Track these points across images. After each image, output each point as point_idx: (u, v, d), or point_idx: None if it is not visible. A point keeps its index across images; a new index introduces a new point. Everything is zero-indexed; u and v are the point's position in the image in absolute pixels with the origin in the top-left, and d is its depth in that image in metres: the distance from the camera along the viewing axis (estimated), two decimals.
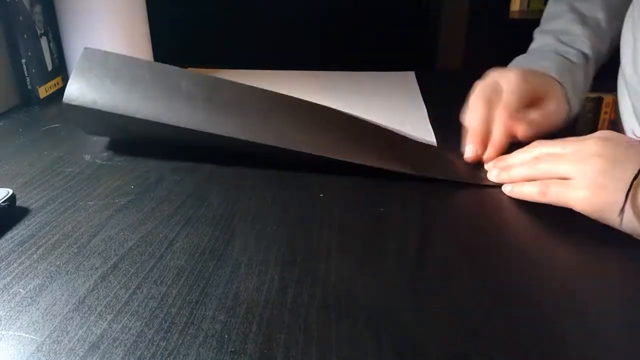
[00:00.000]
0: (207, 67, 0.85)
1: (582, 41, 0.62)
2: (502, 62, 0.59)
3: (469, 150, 0.51)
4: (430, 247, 0.37)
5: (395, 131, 0.56)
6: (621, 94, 0.65)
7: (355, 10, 0.97)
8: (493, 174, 0.47)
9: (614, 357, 0.28)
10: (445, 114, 0.62)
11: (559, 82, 0.57)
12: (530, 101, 0.53)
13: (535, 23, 0.67)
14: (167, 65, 0.50)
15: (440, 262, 0.35)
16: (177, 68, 0.50)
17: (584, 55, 0.61)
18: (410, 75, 0.81)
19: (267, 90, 0.50)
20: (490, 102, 0.52)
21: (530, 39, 0.65)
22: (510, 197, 0.44)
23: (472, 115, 0.53)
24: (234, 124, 0.46)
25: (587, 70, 0.61)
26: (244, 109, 0.48)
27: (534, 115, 0.53)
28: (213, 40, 0.99)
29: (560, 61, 0.60)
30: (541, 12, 0.68)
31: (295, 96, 0.70)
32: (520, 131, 0.51)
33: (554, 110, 0.55)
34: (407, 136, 0.56)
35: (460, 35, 0.95)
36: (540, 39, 0.65)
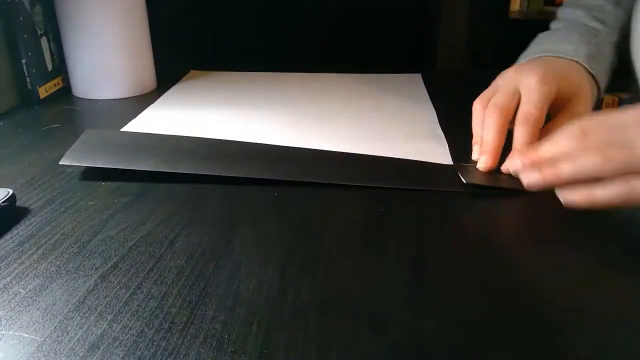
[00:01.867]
0: (209, 70, 0.85)
1: (614, 19, 0.58)
2: (502, 62, 0.58)
3: (483, 161, 0.47)
4: (430, 247, 0.37)
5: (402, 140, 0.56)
6: None
7: (353, 11, 0.97)
8: (532, 177, 0.38)
9: (614, 357, 0.28)
10: (451, 114, 0.62)
11: (587, 69, 0.52)
12: (553, 104, 0.48)
13: (535, 23, 0.67)
14: (168, 135, 0.53)
15: (440, 262, 0.35)
16: (178, 135, 0.53)
17: (615, 30, 0.58)
18: (417, 77, 0.81)
19: (272, 145, 0.52)
20: (507, 112, 0.47)
21: (530, 39, 0.65)
22: (510, 197, 0.43)
23: (487, 125, 0.48)
24: (240, 169, 0.47)
25: (615, 44, 0.57)
26: (250, 159, 0.49)
27: (561, 122, 0.47)
28: (216, 41, 0.99)
29: (588, 40, 0.55)
30: (541, 12, 0.67)
31: (304, 98, 0.70)
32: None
33: (583, 110, 0.50)
34: (417, 141, 0.56)
35: (460, 36, 0.95)
36: (569, 11, 0.61)
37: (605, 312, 0.31)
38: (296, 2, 0.96)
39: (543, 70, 0.49)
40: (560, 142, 0.38)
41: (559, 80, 0.49)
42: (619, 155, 0.34)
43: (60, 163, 0.46)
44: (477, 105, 0.51)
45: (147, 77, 0.76)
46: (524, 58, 0.58)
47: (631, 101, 0.64)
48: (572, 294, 0.32)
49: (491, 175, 0.46)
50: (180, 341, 0.28)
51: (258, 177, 0.46)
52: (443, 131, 0.58)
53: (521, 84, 0.49)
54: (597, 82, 0.53)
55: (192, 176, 0.46)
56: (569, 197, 0.37)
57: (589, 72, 0.53)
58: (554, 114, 0.50)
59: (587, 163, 0.35)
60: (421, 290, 0.32)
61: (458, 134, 0.55)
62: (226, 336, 0.28)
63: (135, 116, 0.63)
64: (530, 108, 0.47)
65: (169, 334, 0.28)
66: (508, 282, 0.33)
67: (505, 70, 0.52)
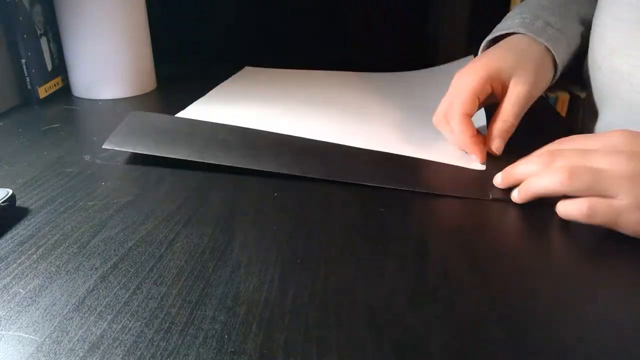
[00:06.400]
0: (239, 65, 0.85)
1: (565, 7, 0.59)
2: None
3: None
4: (430, 247, 0.37)
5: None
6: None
7: (352, 10, 0.97)
8: (514, 195, 0.42)
9: (614, 357, 0.28)
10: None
11: (536, 40, 0.53)
12: (496, 84, 0.51)
13: None
14: (205, 121, 0.57)
15: (441, 261, 0.35)
16: (214, 122, 0.55)
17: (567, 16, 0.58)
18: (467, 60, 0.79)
19: (299, 137, 0.53)
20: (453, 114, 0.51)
21: None
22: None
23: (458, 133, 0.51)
24: (267, 162, 0.48)
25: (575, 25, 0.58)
26: (278, 150, 0.50)
27: (504, 109, 0.51)
28: (217, 42, 0.98)
29: (535, 14, 0.56)
30: None
31: (341, 97, 0.70)
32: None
33: (521, 89, 0.51)
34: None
35: (460, 35, 0.95)
36: (515, 9, 0.62)
37: (608, 312, 0.31)
38: (295, 2, 0.96)
39: (474, 63, 0.53)
40: (531, 162, 0.42)
41: (490, 66, 0.51)
42: (584, 176, 0.38)
43: (103, 147, 0.49)
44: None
45: (147, 77, 0.76)
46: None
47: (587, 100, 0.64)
48: (574, 293, 0.32)
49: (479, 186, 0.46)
50: (180, 341, 0.28)
51: (285, 172, 0.46)
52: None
53: (458, 85, 0.53)
54: (549, 49, 0.53)
55: (220, 165, 0.47)
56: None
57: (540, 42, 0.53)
58: (500, 94, 0.52)
59: (554, 181, 0.39)
60: (421, 290, 0.32)
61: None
62: (226, 336, 0.28)
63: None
64: (460, 101, 0.51)
65: (169, 334, 0.28)
66: (509, 281, 0.33)
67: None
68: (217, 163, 0.47)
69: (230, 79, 0.79)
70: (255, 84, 0.77)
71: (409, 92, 0.74)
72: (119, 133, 0.51)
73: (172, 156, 0.48)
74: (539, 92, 0.53)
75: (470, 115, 0.51)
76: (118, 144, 0.50)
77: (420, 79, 0.79)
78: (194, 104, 0.67)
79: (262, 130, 0.54)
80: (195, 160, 0.48)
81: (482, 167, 0.49)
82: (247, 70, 0.85)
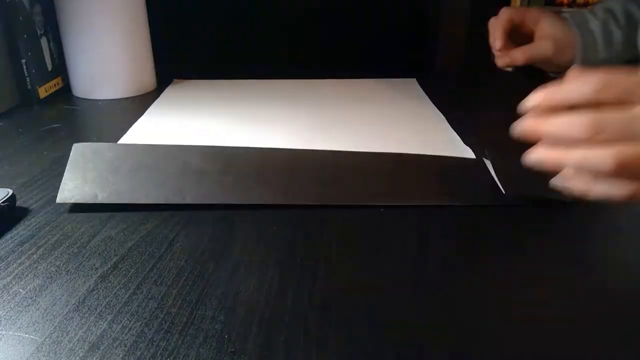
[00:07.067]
0: (204, 79, 0.83)
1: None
2: None
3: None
4: (430, 247, 0.37)
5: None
6: None
7: (350, 11, 0.97)
8: (537, 154, 0.33)
9: (613, 356, 0.28)
10: (459, 115, 0.62)
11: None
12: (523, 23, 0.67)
13: None
14: (171, 145, 0.48)
15: (441, 262, 0.35)
16: (183, 146, 0.49)
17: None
18: (413, 82, 0.80)
19: (280, 150, 0.49)
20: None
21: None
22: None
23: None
24: (255, 193, 0.43)
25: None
26: (262, 175, 0.45)
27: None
28: (214, 43, 0.98)
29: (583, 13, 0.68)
30: None
31: (301, 108, 0.67)
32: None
33: (547, 30, 0.65)
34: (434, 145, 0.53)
35: (460, 36, 0.95)
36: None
37: (608, 312, 0.31)
38: (289, 5, 0.96)
39: None
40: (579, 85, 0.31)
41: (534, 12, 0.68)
42: (632, 155, 0.29)
43: (57, 202, 0.41)
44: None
45: (147, 77, 0.76)
46: None
47: None
48: (574, 293, 0.32)
49: (532, 182, 0.40)
50: (180, 341, 0.28)
51: (279, 203, 0.42)
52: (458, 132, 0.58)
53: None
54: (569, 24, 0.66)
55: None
56: (571, 183, 0.33)
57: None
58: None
59: (598, 162, 0.30)
60: (421, 290, 0.32)
61: (470, 133, 0.54)
62: (226, 336, 0.28)
63: (135, 117, 0.63)
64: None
65: (169, 334, 0.28)
66: (509, 281, 0.33)
67: None
68: (203, 203, 0.42)
69: (162, 95, 0.74)
70: (189, 98, 0.73)
71: (362, 99, 0.72)
72: (70, 178, 0.43)
73: (148, 202, 0.41)
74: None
75: (510, 22, 0.66)
76: (76, 196, 0.41)
77: (371, 88, 0.78)
78: (134, 125, 0.61)
79: (237, 149, 0.48)
80: (178, 202, 0.41)
81: (472, 156, 0.48)
82: (176, 84, 0.80)
